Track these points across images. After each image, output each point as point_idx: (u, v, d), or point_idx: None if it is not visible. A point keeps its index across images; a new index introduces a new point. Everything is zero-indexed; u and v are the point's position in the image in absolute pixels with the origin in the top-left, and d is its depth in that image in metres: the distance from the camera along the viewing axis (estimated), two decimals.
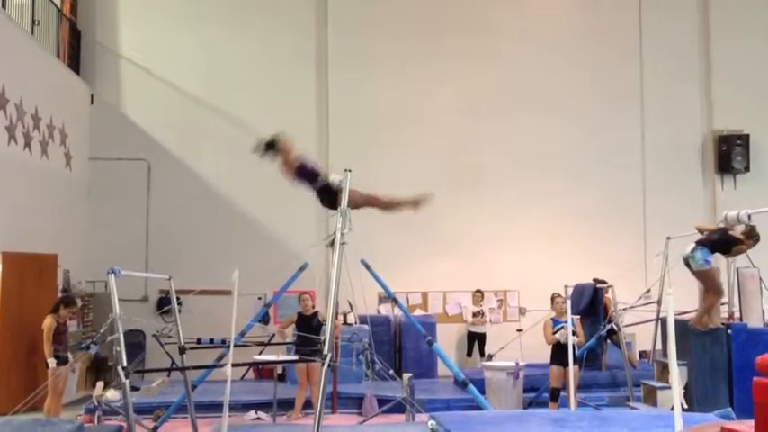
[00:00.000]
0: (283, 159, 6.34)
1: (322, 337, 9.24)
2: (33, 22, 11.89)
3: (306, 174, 6.41)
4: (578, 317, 9.53)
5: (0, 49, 10.25)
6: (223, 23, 14.06)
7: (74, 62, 13.56)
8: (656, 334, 10.51)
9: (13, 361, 9.91)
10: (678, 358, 5.01)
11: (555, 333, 9.06)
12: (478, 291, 13.54)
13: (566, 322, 8.86)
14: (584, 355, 9.66)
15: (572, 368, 8.63)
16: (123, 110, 13.91)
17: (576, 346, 8.96)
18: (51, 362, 8.42)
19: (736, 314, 8.59)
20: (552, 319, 9.27)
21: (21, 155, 10.88)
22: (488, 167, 14.13)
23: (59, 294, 10.88)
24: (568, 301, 9.08)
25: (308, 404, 9.60)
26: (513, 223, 13.93)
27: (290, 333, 9.96)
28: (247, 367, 11.72)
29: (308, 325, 9.66)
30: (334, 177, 6.27)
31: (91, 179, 13.57)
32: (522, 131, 14.25)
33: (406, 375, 9.32)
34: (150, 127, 13.84)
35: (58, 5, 13.17)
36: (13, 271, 10.15)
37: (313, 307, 10.02)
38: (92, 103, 13.84)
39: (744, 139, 14.30)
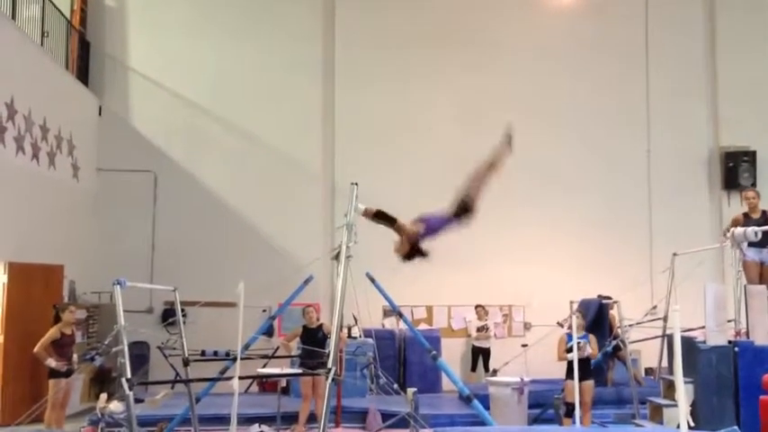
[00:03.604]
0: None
1: (327, 350, 9.25)
2: (43, 33, 11.97)
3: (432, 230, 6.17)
4: (593, 336, 9.47)
5: (10, 61, 10.32)
6: (231, 35, 14.15)
7: (82, 73, 13.65)
8: (662, 351, 10.43)
9: (18, 372, 9.91)
10: (684, 375, 4.98)
11: (568, 351, 8.97)
12: (480, 305, 13.49)
13: (580, 338, 8.82)
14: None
15: (577, 383, 8.58)
16: (131, 121, 13.97)
17: (589, 361, 8.92)
18: (50, 362, 8.42)
19: (743, 331, 8.53)
20: (567, 334, 9.19)
21: (28, 165, 10.92)
22: (493, 180, 14.09)
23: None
24: (574, 317, 9.04)
25: (311, 418, 9.55)
26: (518, 237, 13.89)
27: (295, 346, 9.93)
28: (252, 380, 11.69)
29: (314, 338, 9.62)
30: (359, 207, 6.17)
31: (98, 190, 13.61)
32: (527, 144, 14.18)
33: (411, 390, 9.27)
34: (157, 138, 13.91)
35: (68, 17, 13.27)
36: (19, 281, 10.17)
37: (318, 319, 9.99)
38: (100, 114, 13.91)
39: (750, 156, 14.26)
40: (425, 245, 6.19)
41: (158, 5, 14.26)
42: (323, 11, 14.33)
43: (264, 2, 14.26)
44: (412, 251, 6.05)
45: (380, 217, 5.98)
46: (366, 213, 6.06)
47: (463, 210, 6.30)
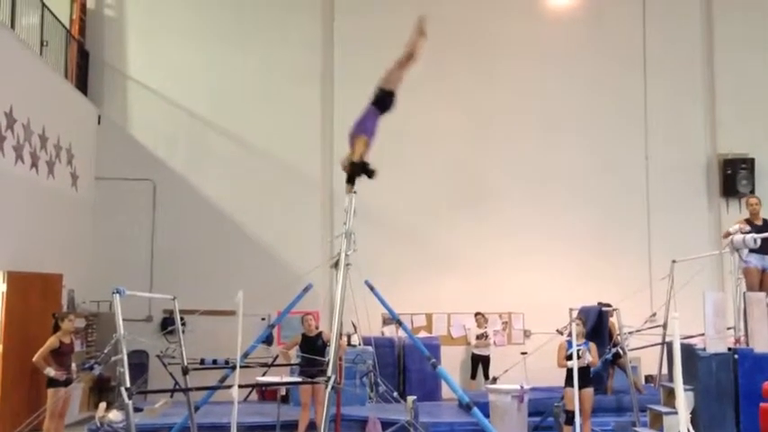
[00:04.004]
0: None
1: (327, 358, 9.23)
2: (42, 43, 11.99)
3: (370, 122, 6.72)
4: (593, 343, 9.46)
5: (8, 70, 10.33)
6: (230, 43, 14.18)
7: (81, 83, 13.67)
8: (661, 358, 10.43)
9: (17, 381, 9.87)
10: (684, 383, 4.98)
11: (568, 359, 8.94)
12: (479, 313, 13.48)
13: (581, 345, 8.82)
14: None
15: (577, 391, 8.56)
16: (130, 130, 13.99)
17: (589, 368, 8.92)
18: (49, 371, 8.41)
19: (743, 339, 8.53)
20: (567, 341, 9.18)
21: (27, 174, 10.92)
22: (493, 186, 14.16)
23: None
24: (573, 325, 9.02)
25: (311, 426, 9.53)
26: (517, 245, 13.91)
27: (294, 354, 9.91)
28: (251, 389, 11.66)
29: (313, 346, 9.61)
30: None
31: (97, 199, 13.61)
32: (526, 150, 14.29)
33: (410, 398, 9.25)
34: (156, 147, 13.93)
35: (67, 27, 13.30)
36: (17, 290, 10.15)
37: (317, 327, 9.98)
38: (99, 123, 13.93)
39: (749, 163, 14.30)
40: (373, 162, 6.59)
41: (157, 15, 14.29)
42: (322, 19, 14.37)
43: (263, 11, 14.30)
44: (356, 168, 6.48)
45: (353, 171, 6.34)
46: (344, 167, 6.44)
47: (384, 99, 7.01)
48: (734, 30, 14.63)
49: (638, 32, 14.69)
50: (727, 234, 9.04)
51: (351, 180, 6.28)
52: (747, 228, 8.82)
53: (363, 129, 6.41)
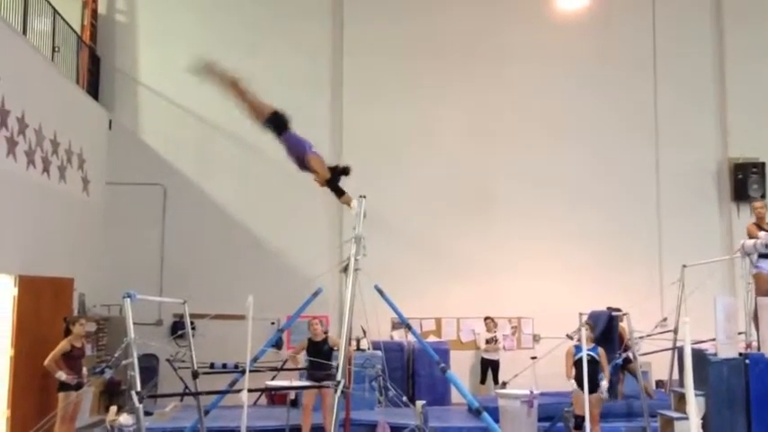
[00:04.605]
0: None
1: (334, 363, 9.26)
2: (54, 48, 12.07)
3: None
4: (602, 349, 9.43)
5: (20, 76, 10.40)
6: (239, 50, 14.18)
7: (93, 88, 13.75)
8: (672, 363, 10.39)
9: (28, 385, 9.91)
10: (695, 388, 4.96)
11: (577, 363, 8.91)
12: (489, 317, 13.47)
13: (589, 350, 8.80)
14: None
15: (587, 396, 8.53)
16: (140, 135, 14.06)
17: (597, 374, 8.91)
18: (60, 375, 8.45)
19: (754, 344, 8.49)
20: (576, 346, 9.15)
21: (39, 179, 10.99)
22: (501, 191, 14.15)
23: None
24: (583, 330, 9.00)
25: (318, 430, 9.56)
26: (527, 249, 13.89)
27: (302, 359, 9.94)
28: (260, 393, 11.68)
29: (319, 350, 9.65)
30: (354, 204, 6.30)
31: (108, 203, 13.67)
32: (535, 155, 14.27)
33: (420, 402, 9.24)
34: (167, 152, 13.98)
35: (79, 33, 13.39)
36: (29, 294, 10.20)
37: (325, 333, 10.00)
38: (110, 128, 14.00)
39: (759, 167, 14.22)
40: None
41: (168, 21, 14.37)
42: (332, 26, 14.42)
43: (274, 17, 14.35)
44: (334, 178, 6.67)
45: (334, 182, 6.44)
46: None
47: (276, 122, 7.51)
48: (744, 34, 14.55)
49: (648, 38, 14.65)
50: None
51: (337, 190, 6.36)
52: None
53: (300, 150, 6.59)
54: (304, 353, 9.88)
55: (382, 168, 13.75)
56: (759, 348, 8.29)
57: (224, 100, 14.47)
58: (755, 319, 8.47)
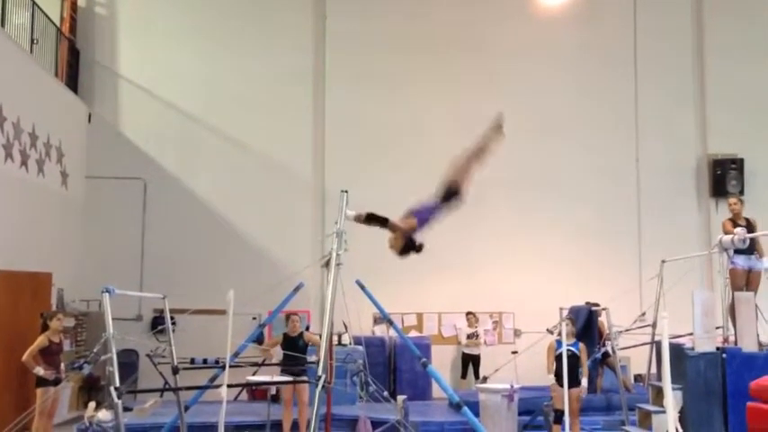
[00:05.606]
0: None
1: (310, 358, 9.28)
2: (32, 41, 11.94)
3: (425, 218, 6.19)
4: (583, 344, 9.50)
5: None
6: (221, 43, 14.15)
7: (72, 81, 13.61)
8: (650, 357, 10.49)
9: (6, 380, 9.83)
10: (673, 382, 5.01)
11: (557, 359, 8.97)
12: (470, 312, 13.51)
13: (570, 345, 8.86)
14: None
15: (566, 390, 8.60)
16: (120, 128, 13.94)
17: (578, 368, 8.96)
18: (38, 370, 8.39)
19: (731, 338, 8.59)
20: (557, 341, 9.21)
21: (17, 173, 10.88)
22: (484, 187, 14.08)
23: None
24: (563, 324, 9.06)
25: (295, 425, 9.57)
26: (509, 244, 13.95)
27: (276, 353, 9.97)
28: (241, 388, 11.65)
29: (294, 346, 9.66)
30: (349, 213, 6.18)
31: (87, 198, 13.56)
32: (517, 150, 14.23)
33: (401, 397, 9.27)
34: (147, 146, 13.88)
35: (58, 25, 13.25)
36: (6, 289, 10.11)
37: (308, 328, 10.01)
38: (89, 121, 13.88)
39: (738, 164, 14.37)
40: (419, 238, 6.16)
41: (148, 14, 14.25)
42: (314, 19, 14.36)
43: (255, 10, 14.26)
44: (407, 246, 6.01)
45: (372, 219, 5.95)
46: (358, 219, 6.06)
47: (451, 195, 6.44)
48: (724, 32, 14.68)
49: (629, 34, 14.74)
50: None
51: (403, 252, 6.04)
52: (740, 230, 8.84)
53: (419, 213, 6.21)
54: (279, 348, 9.90)
55: (365, 162, 13.75)
56: (736, 343, 8.38)
57: (205, 93, 14.42)
58: (732, 313, 8.56)
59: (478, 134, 6.69)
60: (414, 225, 6.06)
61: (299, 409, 9.50)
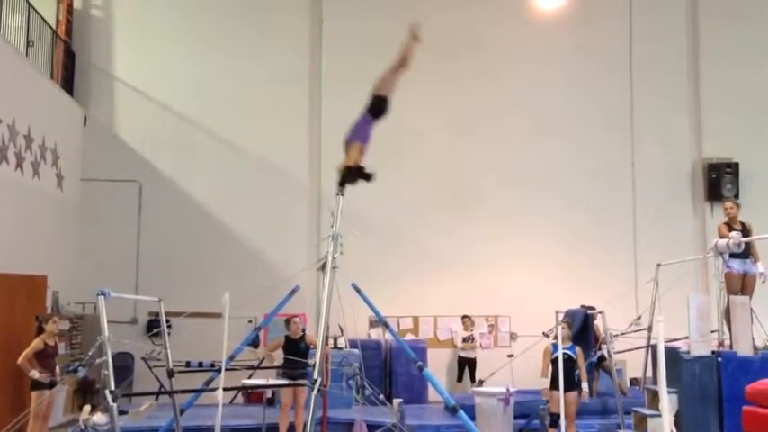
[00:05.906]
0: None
1: (311, 361, 9.25)
2: (28, 43, 11.93)
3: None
4: (579, 348, 9.50)
5: None
6: (217, 45, 14.13)
7: (68, 83, 13.59)
8: (646, 361, 10.49)
9: (0, 384, 9.79)
10: (669, 386, 5.01)
11: (553, 362, 8.98)
12: (466, 316, 13.52)
13: (566, 349, 8.86)
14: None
15: (562, 394, 8.60)
16: (116, 131, 13.92)
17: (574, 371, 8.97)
18: (34, 373, 8.36)
19: (727, 342, 8.60)
20: (553, 344, 9.21)
21: (12, 175, 10.85)
22: (480, 190, 14.19)
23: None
24: (559, 328, 9.07)
25: (291, 428, 9.55)
26: (504, 248, 13.95)
27: (277, 356, 9.93)
28: (236, 391, 11.63)
29: (296, 348, 9.64)
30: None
31: (82, 200, 13.53)
32: (514, 154, 14.34)
33: (397, 401, 9.27)
34: (143, 148, 13.86)
35: (54, 27, 13.23)
36: (1, 292, 10.07)
37: (304, 330, 9.99)
38: (85, 124, 13.85)
39: (733, 168, 14.38)
40: (368, 166, 6.51)
41: (144, 16, 14.23)
42: (310, 22, 14.37)
43: (251, 12, 14.26)
44: (351, 172, 6.37)
45: (348, 176, 6.27)
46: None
47: (378, 105, 6.99)
48: (720, 33, 14.70)
49: (625, 38, 14.76)
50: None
51: (342, 184, 6.28)
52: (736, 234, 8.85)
53: (357, 135, 6.43)
54: (280, 350, 9.87)
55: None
56: (731, 346, 8.40)
57: (200, 95, 14.42)
58: (728, 317, 8.57)
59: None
60: (362, 149, 6.59)
61: (296, 412, 9.49)
